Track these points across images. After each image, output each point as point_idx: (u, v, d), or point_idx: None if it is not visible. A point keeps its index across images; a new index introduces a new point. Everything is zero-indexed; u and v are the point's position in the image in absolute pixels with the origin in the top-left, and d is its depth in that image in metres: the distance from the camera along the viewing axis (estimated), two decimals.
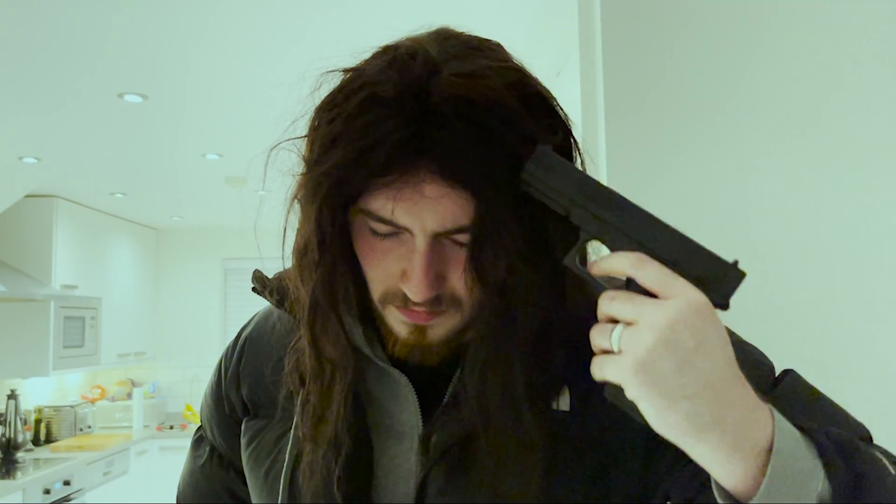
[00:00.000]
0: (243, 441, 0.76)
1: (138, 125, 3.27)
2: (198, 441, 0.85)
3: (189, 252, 6.26)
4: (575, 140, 0.63)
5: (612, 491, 0.64)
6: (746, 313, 0.68)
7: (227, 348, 0.82)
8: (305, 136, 0.61)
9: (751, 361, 0.62)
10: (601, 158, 1.38)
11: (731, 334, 0.67)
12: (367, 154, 0.55)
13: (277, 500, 0.69)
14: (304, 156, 0.62)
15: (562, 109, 0.62)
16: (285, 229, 0.65)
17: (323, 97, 0.61)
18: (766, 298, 1.40)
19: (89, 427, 5.33)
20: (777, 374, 0.65)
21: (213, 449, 0.83)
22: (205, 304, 6.18)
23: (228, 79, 2.72)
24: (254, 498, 0.75)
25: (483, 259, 0.58)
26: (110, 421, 5.58)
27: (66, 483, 4.22)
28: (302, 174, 0.61)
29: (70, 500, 4.23)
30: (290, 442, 0.70)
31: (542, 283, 0.59)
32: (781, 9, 1.45)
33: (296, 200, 0.63)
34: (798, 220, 1.41)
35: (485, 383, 0.62)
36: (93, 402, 5.63)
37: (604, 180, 1.36)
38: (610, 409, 0.63)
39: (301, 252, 0.64)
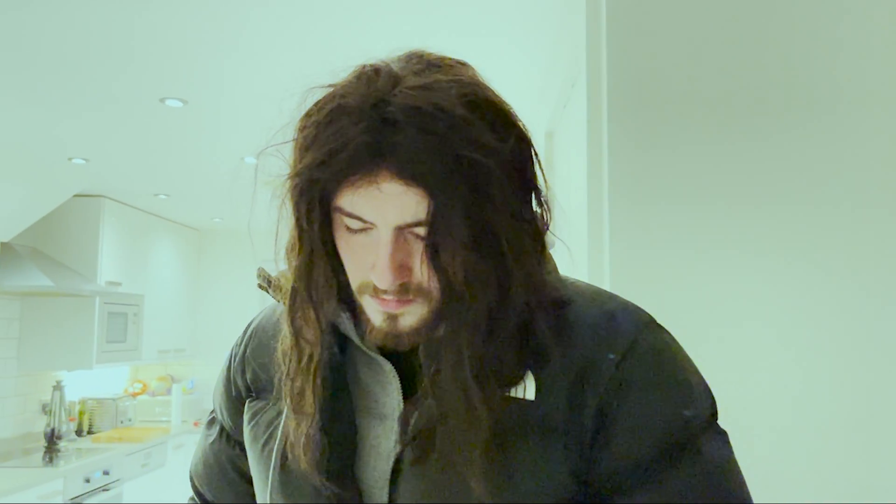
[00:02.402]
0: (245, 419, 0.84)
1: (179, 129, 3.39)
2: (210, 422, 0.94)
3: (229, 253, 6.41)
4: (534, 150, 0.70)
5: (574, 476, 0.69)
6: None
7: (238, 338, 0.90)
8: (290, 141, 0.69)
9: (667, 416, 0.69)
10: (604, 179, 1.42)
11: (676, 356, 0.73)
12: (333, 157, 0.63)
13: (270, 471, 0.77)
14: (288, 162, 0.69)
15: (518, 118, 0.69)
16: (278, 228, 0.72)
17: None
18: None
19: (129, 420, 5.50)
20: (698, 432, 0.71)
21: (221, 428, 0.91)
22: (243, 305, 6.31)
23: (264, 85, 2.81)
24: (252, 470, 0.83)
25: (437, 249, 0.64)
26: (150, 415, 5.75)
27: (106, 473, 4.36)
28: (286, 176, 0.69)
29: (109, 489, 4.37)
30: (282, 421, 0.77)
31: (488, 273, 0.66)
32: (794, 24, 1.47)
33: (282, 202, 0.70)
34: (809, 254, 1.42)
35: (438, 364, 0.68)
36: (134, 396, 5.81)
37: (605, 200, 1.39)
38: (571, 396, 0.69)
39: (288, 248, 0.72)
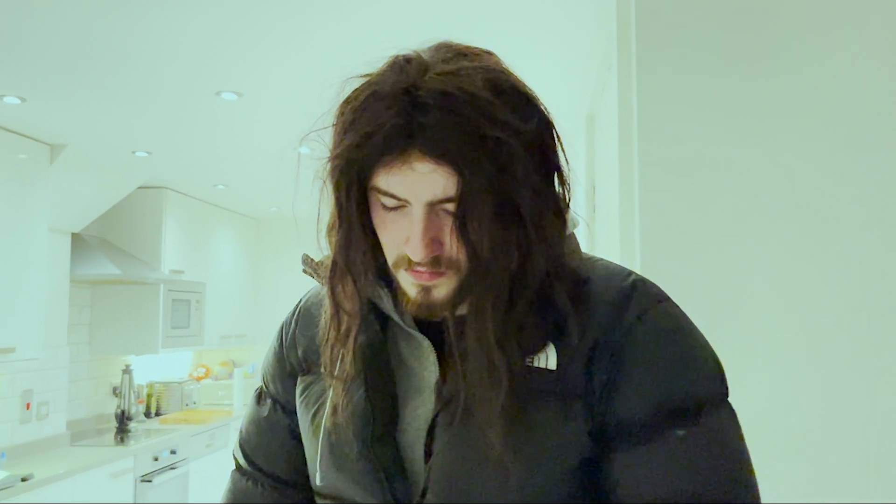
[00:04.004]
0: (297, 391, 0.89)
1: (234, 121, 3.50)
2: (259, 396, 0.97)
3: (286, 241, 6.55)
4: (556, 132, 0.74)
5: (591, 438, 0.74)
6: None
7: (287, 317, 0.96)
8: (329, 127, 0.74)
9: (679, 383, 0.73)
10: (635, 159, 1.44)
11: (686, 329, 0.77)
12: (369, 139, 0.68)
13: (320, 440, 0.82)
14: (328, 147, 0.75)
15: (542, 104, 0.73)
16: (319, 209, 0.77)
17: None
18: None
19: (194, 403, 5.72)
20: (708, 403, 0.74)
21: (275, 401, 0.94)
22: (301, 291, 6.40)
23: (314, 76, 2.88)
24: (304, 438, 0.88)
25: (465, 223, 0.69)
26: (213, 398, 5.95)
27: (173, 452, 4.56)
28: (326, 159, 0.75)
29: (176, 467, 4.57)
30: (330, 392, 0.83)
31: (511, 244, 0.71)
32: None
33: (324, 184, 0.75)
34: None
35: (462, 331, 0.73)
36: (198, 380, 6.03)
37: (636, 184, 1.41)
38: (587, 365, 0.74)
39: (329, 227, 0.78)
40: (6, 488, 3.22)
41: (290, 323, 0.94)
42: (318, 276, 0.86)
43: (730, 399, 0.76)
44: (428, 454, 0.76)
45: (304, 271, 0.88)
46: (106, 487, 3.93)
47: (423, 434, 0.77)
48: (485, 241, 0.70)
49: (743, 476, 0.73)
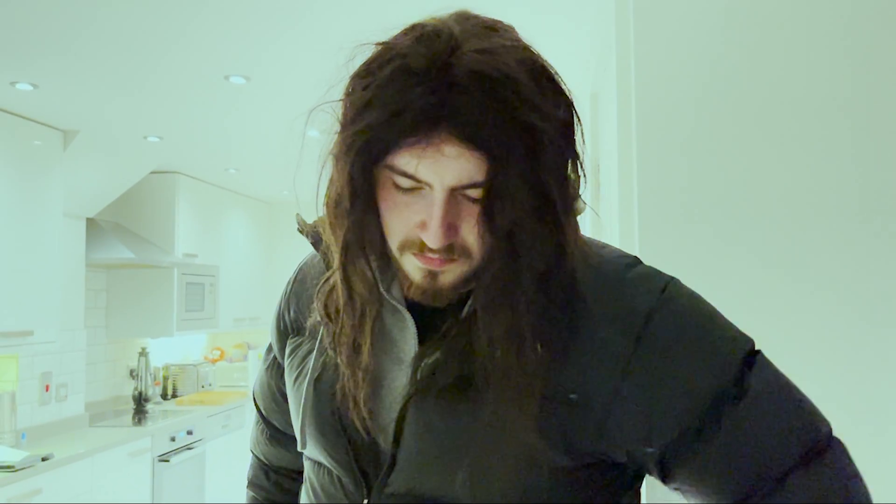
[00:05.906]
0: (286, 351, 0.91)
1: (243, 105, 3.52)
2: (268, 350, 1.02)
3: None
4: (577, 114, 0.71)
5: (566, 443, 0.73)
6: None
7: (290, 277, 0.96)
8: (341, 100, 0.69)
9: (710, 353, 0.71)
10: (633, 141, 1.45)
11: (702, 308, 0.75)
12: (396, 117, 0.64)
13: (301, 405, 0.83)
14: (339, 118, 0.70)
15: (565, 84, 0.70)
16: (318, 184, 0.75)
17: (357, 66, 0.69)
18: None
19: (210, 384, 5.80)
20: (746, 359, 0.73)
21: (274, 358, 1.00)
22: None
23: (323, 58, 2.90)
24: (289, 397, 0.90)
25: (494, 211, 0.66)
26: (228, 380, 6.04)
27: (189, 433, 4.64)
28: (337, 133, 0.70)
29: (192, 447, 4.66)
30: (313, 357, 0.84)
31: (545, 234, 0.68)
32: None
33: (331, 157, 0.71)
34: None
35: (493, 320, 0.70)
36: (213, 362, 6.11)
37: (634, 166, 1.42)
38: (584, 370, 0.72)
39: (334, 203, 0.73)
40: (27, 467, 3.30)
41: (290, 283, 0.95)
42: (308, 237, 0.86)
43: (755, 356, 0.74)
44: (399, 431, 0.76)
45: (298, 230, 0.88)
46: (124, 467, 4.01)
47: (396, 406, 0.77)
48: (516, 231, 0.67)
49: (806, 411, 0.73)
